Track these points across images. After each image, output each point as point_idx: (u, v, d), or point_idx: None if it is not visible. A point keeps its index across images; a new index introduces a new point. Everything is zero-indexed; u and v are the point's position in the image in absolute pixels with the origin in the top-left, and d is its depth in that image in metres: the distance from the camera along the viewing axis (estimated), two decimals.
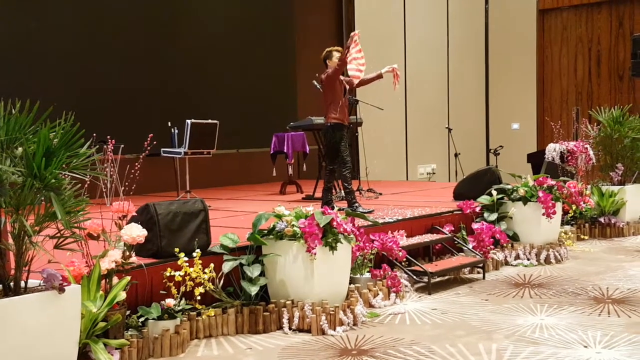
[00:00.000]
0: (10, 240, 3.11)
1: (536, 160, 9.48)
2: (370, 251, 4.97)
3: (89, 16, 8.49)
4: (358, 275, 4.86)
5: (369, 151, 9.06)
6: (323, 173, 7.97)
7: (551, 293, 4.99)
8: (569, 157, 8.15)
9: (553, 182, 6.57)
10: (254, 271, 4.29)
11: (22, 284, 3.10)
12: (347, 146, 6.47)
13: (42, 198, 3.04)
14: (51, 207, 3.04)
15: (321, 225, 4.28)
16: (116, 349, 3.45)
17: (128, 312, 3.76)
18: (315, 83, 8.15)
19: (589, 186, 7.89)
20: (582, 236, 7.35)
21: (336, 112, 6.37)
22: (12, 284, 3.07)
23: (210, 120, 7.42)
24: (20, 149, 3.04)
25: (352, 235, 4.48)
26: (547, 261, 6.11)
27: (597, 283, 5.24)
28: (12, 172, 2.98)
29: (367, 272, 4.92)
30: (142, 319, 3.84)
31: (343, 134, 6.41)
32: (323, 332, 4.09)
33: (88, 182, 3.39)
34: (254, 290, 4.22)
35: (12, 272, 3.12)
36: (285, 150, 8.81)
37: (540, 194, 6.32)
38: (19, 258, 3.07)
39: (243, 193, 8.81)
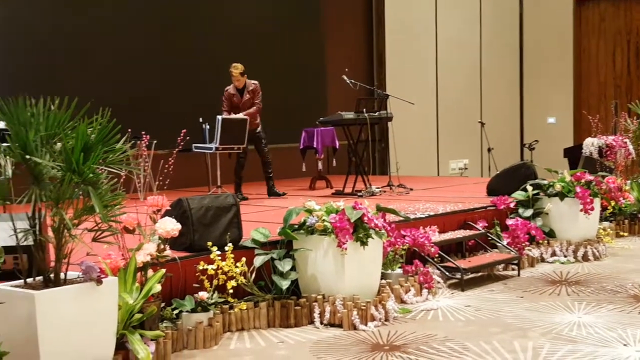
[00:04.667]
0: (50, 233, 3.18)
1: (573, 155, 9.34)
2: (401, 247, 4.94)
3: (124, 14, 8.59)
4: (389, 271, 4.84)
5: (399, 146, 9.00)
6: (353, 168, 7.97)
7: (589, 291, 4.91)
8: (608, 152, 8.01)
9: (591, 178, 6.46)
10: (285, 265, 4.31)
11: (62, 275, 3.16)
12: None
13: (80, 192, 3.10)
14: (89, 201, 3.09)
15: (352, 221, 4.27)
16: (152, 340, 3.49)
17: (163, 305, 3.81)
18: (346, 78, 8.13)
19: (629, 181, 7.73)
20: (621, 233, 7.20)
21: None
22: (52, 275, 3.14)
23: (240, 116, 7.45)
24: (59, 144, 3.10)
25: (383, 231, 4.46)
26: (585, 258, 6.01)
27: (636, 280, 5.14)
28: (52, 167, 3.04)
29: (399, 267, 4.89)
30: (176, 312, 3.89)
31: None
32: (354, 327, 4.09)
33: (124, 177, 3.44)
34: (285, 284, 4.23)
35: (52, 264, 3.19)
36: (314, 146, 8.80)
37: (578, 189, 6.21)
38: (59, 250, 3.13)
39: None
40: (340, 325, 4.13)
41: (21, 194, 3.06)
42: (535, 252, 5.90)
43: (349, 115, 7.68)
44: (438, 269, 5.18)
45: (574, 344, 3.72)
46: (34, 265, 3.19)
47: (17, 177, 3.16)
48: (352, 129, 7.88)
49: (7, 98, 3.09)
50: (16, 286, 3.11)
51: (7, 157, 3.12)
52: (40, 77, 7.56)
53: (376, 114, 7.90)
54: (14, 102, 3.07)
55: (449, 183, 9.35)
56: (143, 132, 6.49)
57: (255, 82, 7.60)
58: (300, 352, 3.72)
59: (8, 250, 3.23)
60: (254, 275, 4.27)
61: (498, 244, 5.86)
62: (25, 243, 3.15)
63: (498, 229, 6.01)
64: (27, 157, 3.02)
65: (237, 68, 7.43)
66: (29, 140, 3.03)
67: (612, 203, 7.12)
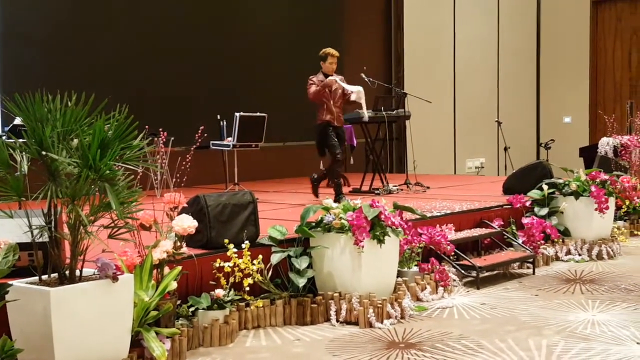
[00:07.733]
0: (66, 230, 3.19)
1: (589, 154, 9.27)
2: (418, 245, 4.93)
3: (141, 12, 8.65)
4: (405, 269, 4.83)
5: (416, 145, 8.98)
6: (370, 166, 7.96)
7: (603, 289, 4.88)
8: (623, 152, 7.95)
9: (606, 177, 6.42)
10: (301, 263, 4.31)
11: (77, 272, 3.17)
12: (335, 142, 6.79)
13: (97, 189, 3.11)
14: (105, 197, 3.10)
15: (369, 218, 4.27)
16: (167, 337, 3.50)
17: (179, 302, 3.82)
18: (364, 76, 8.12)
19: None
20: (635, 232, 7.15)
21: (324, 114, 6.81)
22: (67, 272, 3.15)
23: (258, 113, 7.47)
24: (76, 140, 3.11)
25: (400, 229, 4.46)
26: (599, 257, 5.98)
27: None
28: (68, 163, 3.05)
29: (415, 265, 4.89)
30: (192, 309, 3.90)
31: (328, 131, 6.79)
32: (370, 325, 4.09)
33: (140, 174, 3.45)
34: (301, 282, 4.24)
35: (68, 260, 3.20)
36: None
37: (593, 188, 6.18)
38: (75, 247, 3.14)
39: (290, 186, 8.84)
40: (356, 323, 4.13)
41: (37, 191, 3.05)
42: (550, 251, 5.88)
43: (368, 113, 7.68)
44: (454, 267, 5.16)
45: (587, 342, 3.70)
46: (49, 262, 3.19)
47: (33, 173, 3.14)
48: (370, 127, 7.88)
49: (24, 94, 3.09)
50: (31, 283, 3.12)
51: (23, 153, 3.11)
52: (57, 73, 7.62)
53: (394, 112, 7.90)
54: (31, 98, 3.08)
55: (466, 181, 9.31)
56: (160, 129, 6.53)
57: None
58: (316, 349, 3.72)
59: (23, 246, 3.24)
60: (270, 273, 4.28)
61: (513, 242, 5.83)
62: (40, 240, 3.15)
63: (514, 227, 5.99)
64: (44, 153, 3.03)
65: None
66: (45, 137, 3.04)
67: (627, 202, 7.08)
